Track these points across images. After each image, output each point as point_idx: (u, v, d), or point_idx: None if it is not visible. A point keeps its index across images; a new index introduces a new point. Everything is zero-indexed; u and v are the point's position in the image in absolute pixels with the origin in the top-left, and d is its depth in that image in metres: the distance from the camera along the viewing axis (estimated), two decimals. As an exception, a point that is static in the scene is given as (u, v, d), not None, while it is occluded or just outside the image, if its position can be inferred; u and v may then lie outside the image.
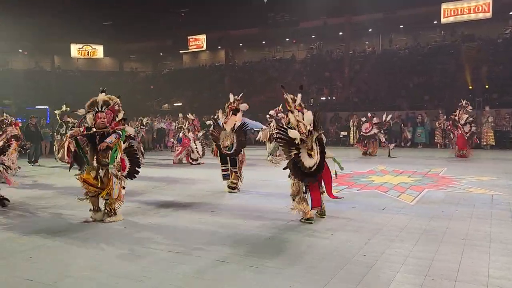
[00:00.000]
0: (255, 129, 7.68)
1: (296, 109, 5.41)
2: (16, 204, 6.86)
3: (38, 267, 3.92)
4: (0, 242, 4.75)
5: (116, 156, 5.56)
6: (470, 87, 20.56)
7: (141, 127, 14.82)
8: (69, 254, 4.30)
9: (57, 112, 13.89)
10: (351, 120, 19.02)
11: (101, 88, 5.87)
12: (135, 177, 5.98)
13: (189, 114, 13.88)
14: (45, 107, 23.47)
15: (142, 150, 13.81)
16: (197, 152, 12.80)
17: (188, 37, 31.46)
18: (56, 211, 6.30)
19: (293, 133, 5.09)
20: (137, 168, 5.96)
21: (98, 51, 34.24)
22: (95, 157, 5.56)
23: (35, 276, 3.70)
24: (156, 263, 3.96)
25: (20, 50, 33.09)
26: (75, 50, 33.57)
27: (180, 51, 33.94)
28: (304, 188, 5.41)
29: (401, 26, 27.78)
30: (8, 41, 28.22)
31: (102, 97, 5.76)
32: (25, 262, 4.07)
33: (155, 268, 3.83)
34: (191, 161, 12.98)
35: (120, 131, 5.61)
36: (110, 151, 5.52)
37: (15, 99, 25.31)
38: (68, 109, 13.86)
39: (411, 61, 24.86)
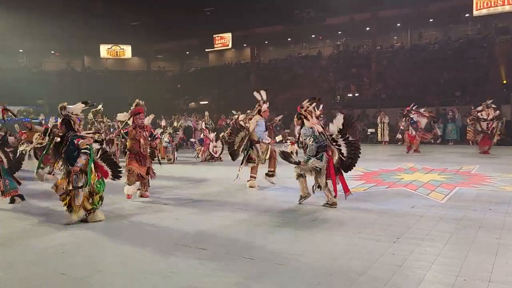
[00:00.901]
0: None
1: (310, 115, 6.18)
2: (48, 199, 7.07)
3: (70, 261, 4.03)
4: (34, 237, 4.92)
5: (91, 177, 5.44)
6: (504, 82, 19.85)
7: (176, 133, 15.05)
8: (99, 249, 4.40)
9: (93, 110, 14.09)
10: (379, 117, 18.72)
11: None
12: (119, 177, 6.04)
13: (234, 111, 13.88)
14: None
15: (171, 157, 13.42)
16: (216, 151, 13.08)
17: (214, 36, 31.70)
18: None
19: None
20: (117, 168, 5.97)
21: (127, 51, 34.98)
22: (64, 165, 5.50)
23: (68, 270, 3.80)
24: (184, 259, 4.01)
25: (52, 52, 34.20)
26: (104, 50, 34.44)
27: (206, 50, 34.25)
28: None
29: (431, 20, 27.05)
30: (42, 43, 29.27)
31: (76, 107, 5.64)
32: (58, 256, 4.20)
33: (183, 264, 3.88)
34: (210, 156, 13.19)
35: (87, 150, 5.42)
36: (83, 173, 5.41)
37: (48, 100, 26.17)
38: (103, 109, 14.18)
39: (442, 56, 24.17)
